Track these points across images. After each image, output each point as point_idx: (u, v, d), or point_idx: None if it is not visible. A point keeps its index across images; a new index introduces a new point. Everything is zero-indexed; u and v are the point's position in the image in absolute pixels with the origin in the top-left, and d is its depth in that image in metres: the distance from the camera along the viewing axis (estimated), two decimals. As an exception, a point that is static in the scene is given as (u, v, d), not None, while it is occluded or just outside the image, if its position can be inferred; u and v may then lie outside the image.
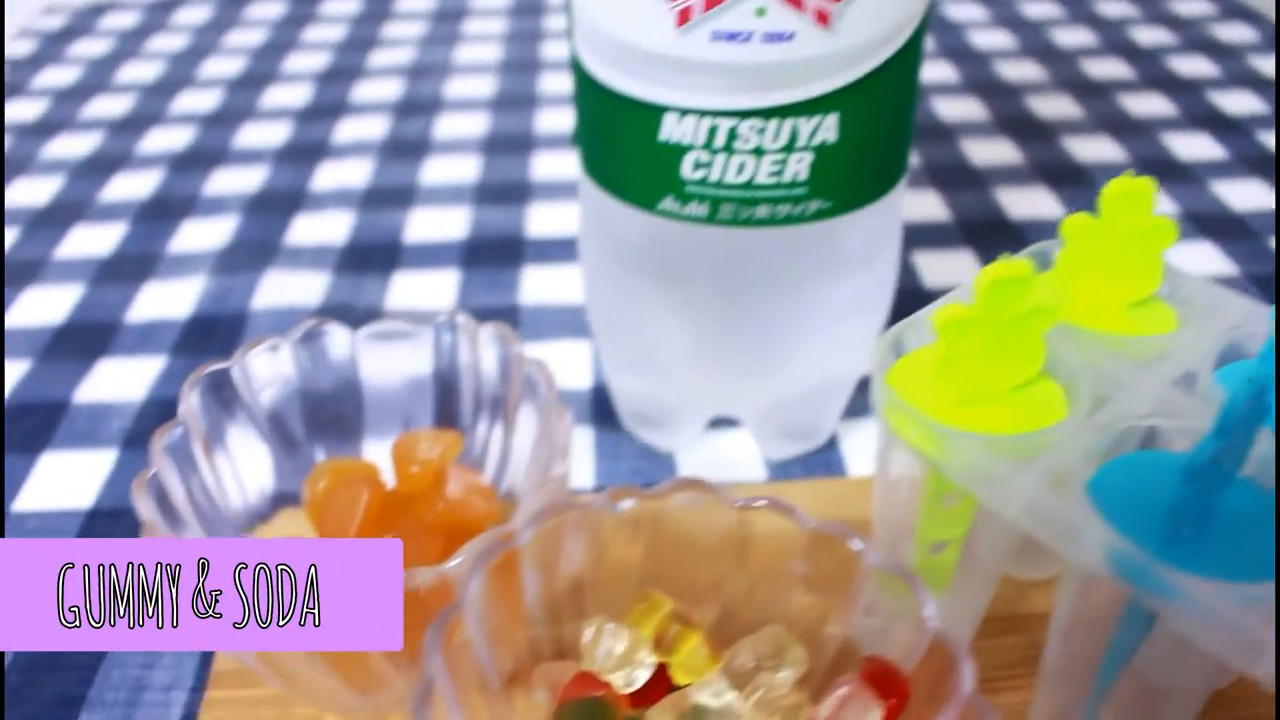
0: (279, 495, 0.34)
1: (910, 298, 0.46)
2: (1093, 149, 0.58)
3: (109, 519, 0.37)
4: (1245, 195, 0.54)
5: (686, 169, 0.30)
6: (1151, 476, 0.22)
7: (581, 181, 0.35)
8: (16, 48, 0.77)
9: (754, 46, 0.27)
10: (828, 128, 0.29)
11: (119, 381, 0.43)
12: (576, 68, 0.31)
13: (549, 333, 0.44)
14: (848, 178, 0.31)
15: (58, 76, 0.72)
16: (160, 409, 0.42)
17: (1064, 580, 0.24)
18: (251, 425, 0.33)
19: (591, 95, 0.31)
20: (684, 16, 0.27)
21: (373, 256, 0.50)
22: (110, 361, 0.44)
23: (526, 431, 0.32)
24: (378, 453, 0.34)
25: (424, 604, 0.25)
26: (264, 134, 0.62)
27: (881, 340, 0.26)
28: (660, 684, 0.26)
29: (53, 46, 0.77)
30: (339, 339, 0.33)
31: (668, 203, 0.31)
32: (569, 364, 0.43)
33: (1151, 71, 0.68)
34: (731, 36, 0.27)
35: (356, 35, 0.77)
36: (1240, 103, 0.64)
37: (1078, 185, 0.55)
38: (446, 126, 0.62)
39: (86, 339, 0.46)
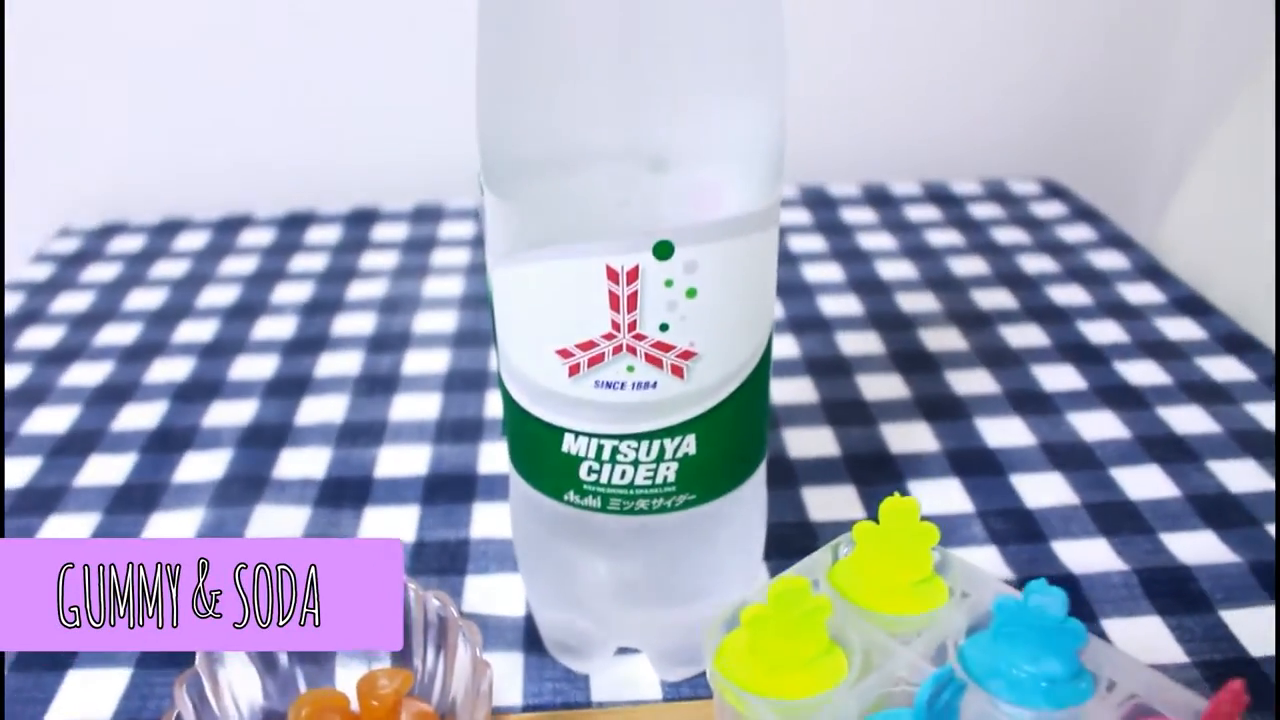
0: (267, 712, 0.42)
1: (799, 530, 0.55)
2: (970, 382, 0.68)
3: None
4: (1098, 426, 0.63)
5: (583, 473, 0.39)
6: (894, 734, 0.31)
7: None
8: (36, 271, 0.87)
9: (626, 392, 0.37)
10: (688, 444, 0.38)
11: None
12: (503, 388, 0.41)
13: (494, 566, 0.53)
14: (708, 477, 0.40)
15: (72, 302, 0.82)
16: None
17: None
18: (246, 657, 0.41)
19: (513, 411, 0.40)
20: (574, 370, 0.37)
21: (347, 491, 0.58)
22: (123, 588, 0.52)
23: (463, 667, 0.41)
24: (346, 675, 0.42)
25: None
26: (255, 367, 0.72)
27: (714, 620, 0.35)
28: None
29: (67, 271, 0.87)
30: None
31: (570, 496, 0.40)
32: (508, 594, 0.51)
33: (1031, 301, 0.78)
34: (609, 385, 0.37)
35: (337, 265, 0.86)
36: (1104, 332, 0.73)
37: (953, 419, 0.64)
38: (413, 363, 0.72)
39: (102, 566, 0.54)
